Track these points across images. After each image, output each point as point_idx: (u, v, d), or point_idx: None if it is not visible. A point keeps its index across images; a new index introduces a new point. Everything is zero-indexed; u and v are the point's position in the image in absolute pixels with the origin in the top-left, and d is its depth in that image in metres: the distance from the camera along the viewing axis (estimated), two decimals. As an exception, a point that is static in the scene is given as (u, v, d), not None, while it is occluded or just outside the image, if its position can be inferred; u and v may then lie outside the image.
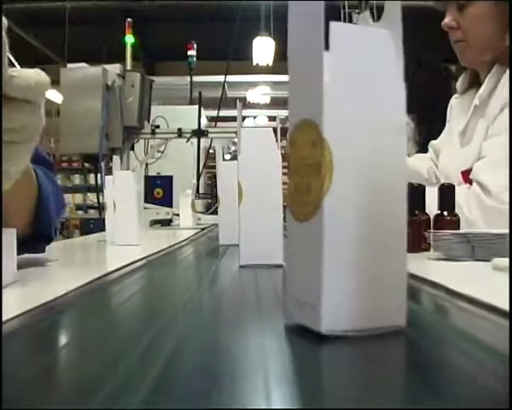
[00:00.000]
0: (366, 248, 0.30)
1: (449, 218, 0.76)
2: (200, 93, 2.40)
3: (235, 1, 4.42)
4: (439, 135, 1.36)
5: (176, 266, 0.85)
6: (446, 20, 1.08)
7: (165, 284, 0.64)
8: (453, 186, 0.79)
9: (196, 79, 4.36)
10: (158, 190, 4.08)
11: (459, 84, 1.22)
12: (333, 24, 0.30)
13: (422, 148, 1.63)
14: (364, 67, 0.31)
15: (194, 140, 2.31)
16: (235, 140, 2.37)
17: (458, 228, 0.76)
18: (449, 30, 1.09)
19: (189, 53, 4.28)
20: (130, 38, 2.34)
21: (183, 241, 1.27)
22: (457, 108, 1.24)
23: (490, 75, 1.08)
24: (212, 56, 5.20)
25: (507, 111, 1.03)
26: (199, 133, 2.20)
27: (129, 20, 2.46)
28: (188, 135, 2.21)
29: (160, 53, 7.99)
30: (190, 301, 0.50)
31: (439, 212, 0.79)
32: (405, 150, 0.32)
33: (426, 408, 0.21)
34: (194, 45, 4.32)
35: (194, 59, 4.26)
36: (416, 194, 0.81)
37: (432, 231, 0.69)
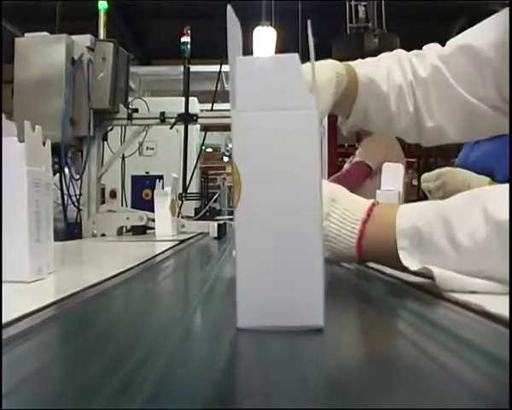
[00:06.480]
0: (279, 252, 0.34)
1: None
2: (188, 68, 1.99)
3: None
4: None
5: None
6: None
7: None
8: None
9: (191, 68, 3.96)
10: (147, 191, 3.65)
11: None
12: (238, 58, 0.35)
13: None
14: (271, 92, 0.35)
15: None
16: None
17: None
18: None
19: (183, 39, 3.88)
20: (103, 4, 1.92)
21: (137, 266, 0.81)
22: None
23: None
24: (210, 54, 4.85)
25: None
26: (186, 118, 1.77)
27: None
28: (172, 121, 1.77)
29: (158, 50, 7.66)
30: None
31: None
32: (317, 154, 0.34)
33: (427, 408, 0.20)
34: (189, 31, 3.92)
35: (189, 46, 3.87)
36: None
37: None
